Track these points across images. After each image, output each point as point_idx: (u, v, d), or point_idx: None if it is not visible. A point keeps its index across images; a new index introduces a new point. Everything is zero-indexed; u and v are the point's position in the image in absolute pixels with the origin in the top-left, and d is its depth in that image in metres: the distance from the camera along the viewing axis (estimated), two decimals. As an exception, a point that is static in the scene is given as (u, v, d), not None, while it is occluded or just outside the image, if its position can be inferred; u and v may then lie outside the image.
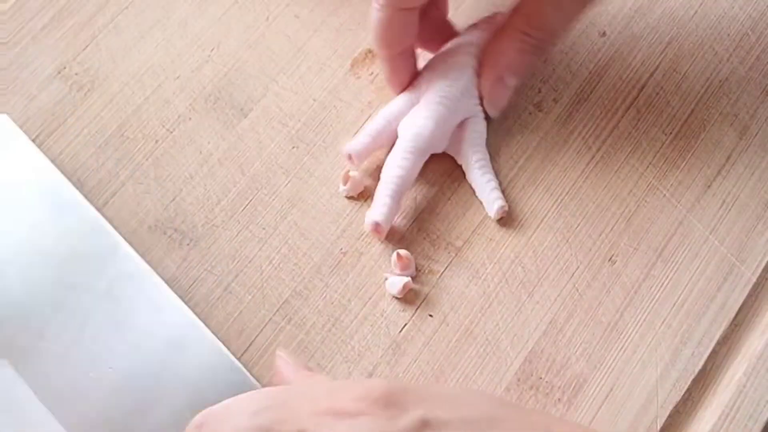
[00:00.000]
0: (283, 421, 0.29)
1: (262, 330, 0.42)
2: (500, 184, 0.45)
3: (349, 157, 0.44)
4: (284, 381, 0.37)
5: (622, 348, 0.42)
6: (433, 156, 0.44)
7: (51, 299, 0.41)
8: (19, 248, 0.43)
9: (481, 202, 0.44)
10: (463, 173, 0.45)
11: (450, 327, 0.42)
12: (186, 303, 0.42)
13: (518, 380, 0.41)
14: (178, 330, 0.41)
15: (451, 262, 0.44)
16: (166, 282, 0.42)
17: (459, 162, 0.45)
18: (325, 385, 0.33)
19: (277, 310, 0.42)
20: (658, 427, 0.40)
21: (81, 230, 0.43)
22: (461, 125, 0.45)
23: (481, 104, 0.45)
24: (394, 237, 0.44)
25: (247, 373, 0.40)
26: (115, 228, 0.43)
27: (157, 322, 0.41)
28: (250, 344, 0.42)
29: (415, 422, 0.28)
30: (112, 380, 0.40)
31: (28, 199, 0.44)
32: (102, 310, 0.41)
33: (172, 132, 0.47)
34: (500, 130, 0.46)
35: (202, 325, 0.41)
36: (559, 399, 0.41)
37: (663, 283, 0.43)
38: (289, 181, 0.45)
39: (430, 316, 0.42)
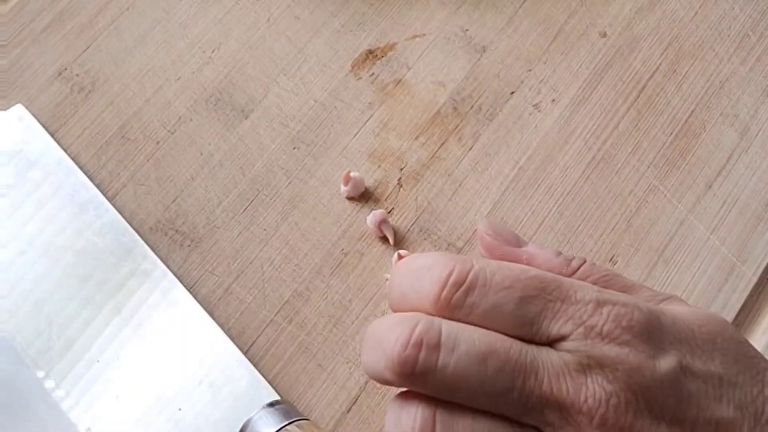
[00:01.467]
0: (549, 317, 0.27)
1: (263, 331, 0.42)
2: (501, 185, 0.45)
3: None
4: (496, 252, 0.32)
5: (623, 348, 0.42)
6: (432, 155, 0.44)
7: (63, 290, 0.42)
8: (35, 239, 0.43)
9: (482, 202, 0.44)
10: (464, 175, 0.45)
11: (451, 327, 0.42)
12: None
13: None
14: (188, 326, 0.42)
15: (452, 262, 0.43)
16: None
17: None
18: (583, 288, 0.29)
19: (278, 311, 0.42)
20: (660, 428, 0.40)
21: (98, 226, 0.44)
22: None
23: None
24: (395, 238, 0.44)
25: (254, 369, 0.40)
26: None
27: (167, 318, 0.42)
28: (252, 344, 0.42)
29: (673, 368, 0.27)
30: (120, 371, 0.41)
31: (47, 192, 0.45)
32: (113, 303, 0.42)
33: (173, 133, 0.47)
34: (500, 130, 0.46)
35: (212, 322, 0.42)
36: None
37: (664, 284, 0.43)
38: (289, 182, 0.45)
39: (431, 316, 0.42)
